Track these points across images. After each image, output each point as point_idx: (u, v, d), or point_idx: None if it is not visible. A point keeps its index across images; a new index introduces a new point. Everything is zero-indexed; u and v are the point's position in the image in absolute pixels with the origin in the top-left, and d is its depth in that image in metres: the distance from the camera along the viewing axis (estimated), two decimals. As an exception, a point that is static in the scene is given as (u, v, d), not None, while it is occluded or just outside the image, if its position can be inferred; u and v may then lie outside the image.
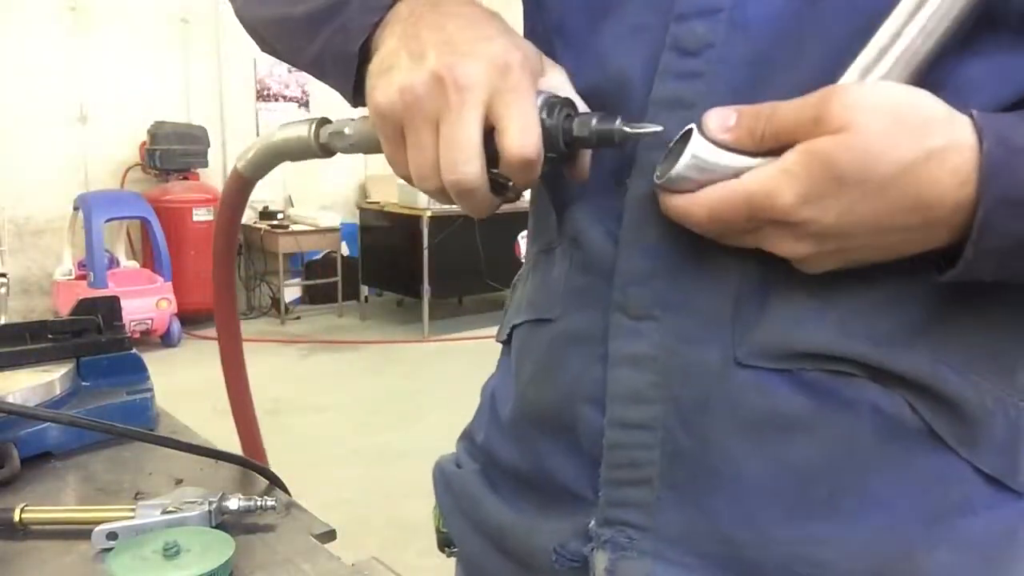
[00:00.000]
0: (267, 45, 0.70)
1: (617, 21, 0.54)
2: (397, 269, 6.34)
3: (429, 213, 5.82)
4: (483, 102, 0.48)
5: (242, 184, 0.73)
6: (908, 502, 0.52)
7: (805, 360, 0.51)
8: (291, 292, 6.82)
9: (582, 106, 0.53)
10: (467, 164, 0.48)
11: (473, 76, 0.48)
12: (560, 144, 0.50)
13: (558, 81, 0.53)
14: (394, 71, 0.50)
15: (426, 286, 5.96)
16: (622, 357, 0.55)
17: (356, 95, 0.57)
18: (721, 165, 0.46)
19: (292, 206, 6.84)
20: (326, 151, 0.61)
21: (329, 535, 0.67)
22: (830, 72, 0.47)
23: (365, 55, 0.55)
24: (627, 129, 0.49)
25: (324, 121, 0.61)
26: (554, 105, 0.50)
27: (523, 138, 0.48)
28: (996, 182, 0.42)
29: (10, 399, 0.78)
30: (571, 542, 0.60)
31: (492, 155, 0.49)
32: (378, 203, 6.54)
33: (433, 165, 0.50)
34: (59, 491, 0.74)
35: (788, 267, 0.49)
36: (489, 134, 0.48)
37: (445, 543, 0.73)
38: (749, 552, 0.53)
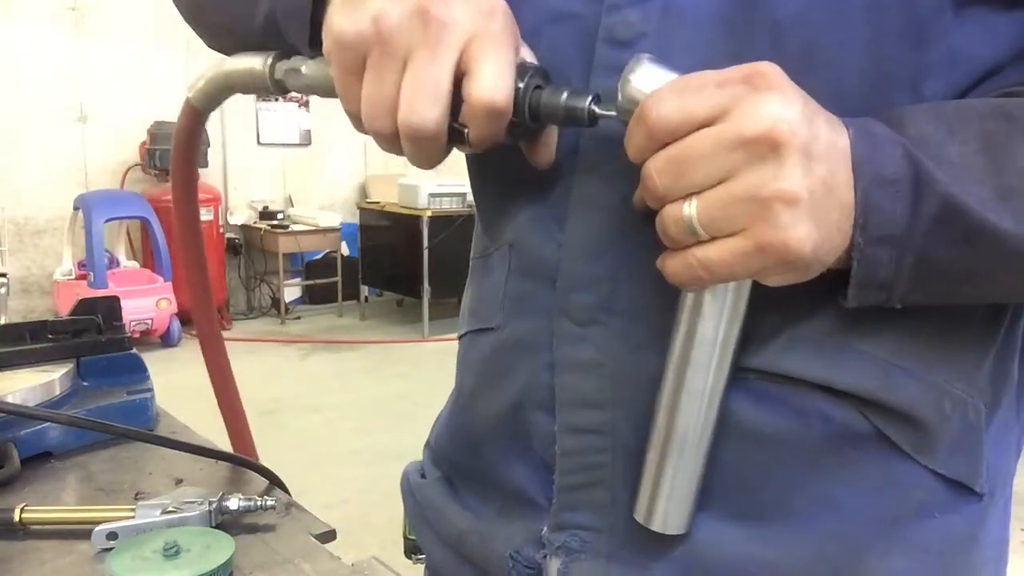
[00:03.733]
0: (213, 28, 0.64)
1: (541, 6, 0.52)
2: (397, 269, 6.35)
3: (429, 213, 5.82)
4: (461, 45, 0.44)
5: (195, 116, 0.66)
6: (861, 506, 0.51)
7: (750, 371, 0.50)
8: (291, 292, 6.82)
9: None
10: (430, 106, 0.44)
11: (457, 15, 0.44)
12: (525, 112, 0.47)
13: (529, 56, 0.50)
14: (369, 1, 0.45)
15: (426, 286, 5.96)
16: (569, 363, 0.54)
17: (313, 46, 0.53)
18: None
19: (292, 206, 6.84)
20: (279, 87, 0.57)
21: (329, 535, 0.67)
22: (771, 60, 0.45)
23: (318, 5, 0.50)
24: (597, 109, 0.46)
25: (281, 56, 0.56)
26: (527, 71, 0.47)
27: (495, 82, 0.44)
28: (864, 166, 0.41)
29: (10, 399, 0.78)
30: (525, 548, 0.59)
31: (455, 107, 0.46)
32: (378, 203, 6.54)
33: (390, 103, 0.45)
34: (59, 491, 0.74)
35: None
36: (455, 83, 0.45)
37: (412, 550, 0.72)
38: (703, 550, 0.52)
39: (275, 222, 6.42)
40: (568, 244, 0.53)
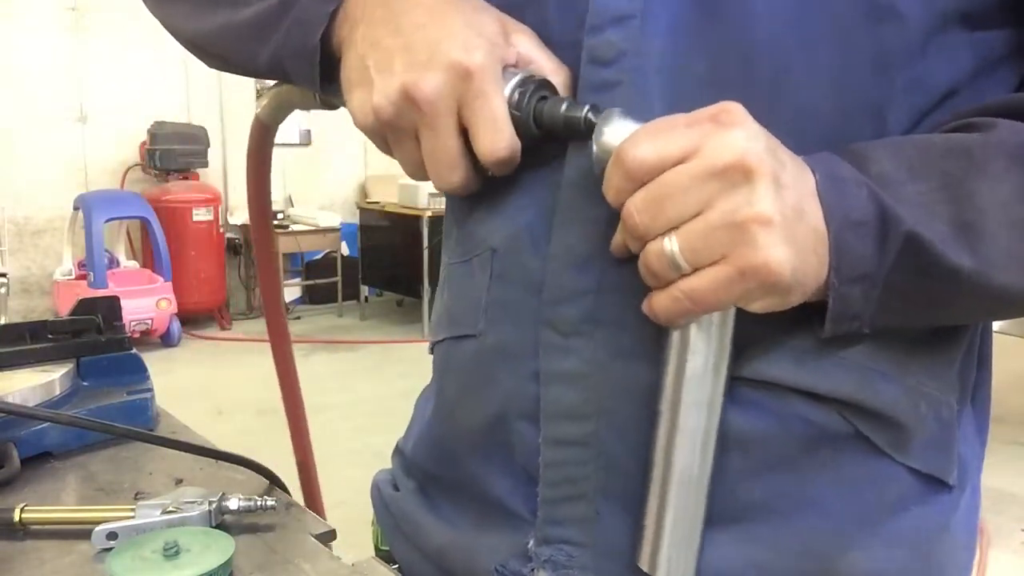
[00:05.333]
0: (212, 57, 0.67)
1: (535, 31, 0.54)
2: (397, 269, 6.34)
3: (429, 213, 5.82)
4: (452, 110, 0.49)
5: (264, 131, 0.75)
6: (841, 503, 0.53)
7: (734, 379, 0.50)
8: (291, 292, 6.82)
9: (558, 71, 0.52)
10: (451, 172, 0.51)
11: (435, 90, 0.48)
12: (533, 130, 0.50)
13: (527, 46, 0.52)
14: (362, 88, 0.51)
15: (426, 286, 5.96)
16: (554, 374, 0.54)
17: (324, 84, 0.57)
18: None
19: (292, 206, 6.84)
20: (327, 104, 0.62)
21: (329, 535, 0.67)
22: (743, 81, 0.48)
23: (325, 45, 0.55)
24: (593, 118, 0.48)
25: None
26: (527, 89, 0.49)
27: (494, 141, 0.49)
28: (834, 210, 0.44)
29: (10, 399, 0.78)
30: (511, 561, 0.58)
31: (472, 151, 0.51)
32: (378, 203, 6.54)
33: (422, 168, 0.52)
34: (59, 491, 0.74)
35: None
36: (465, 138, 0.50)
37: (386, 560, 0.72)
38: None
39: (275, 222, 6.40)
40: (553, 255, 0.53)
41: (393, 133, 0.52)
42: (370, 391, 4.86)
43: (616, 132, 0.46)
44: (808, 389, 0.50)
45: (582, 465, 0.54)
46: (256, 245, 0.86)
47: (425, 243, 5.87)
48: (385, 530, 0.72)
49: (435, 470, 0.65)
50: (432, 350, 0.67)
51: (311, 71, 0.56)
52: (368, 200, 6.94)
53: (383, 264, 6.53)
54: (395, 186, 6.25)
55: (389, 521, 0.71)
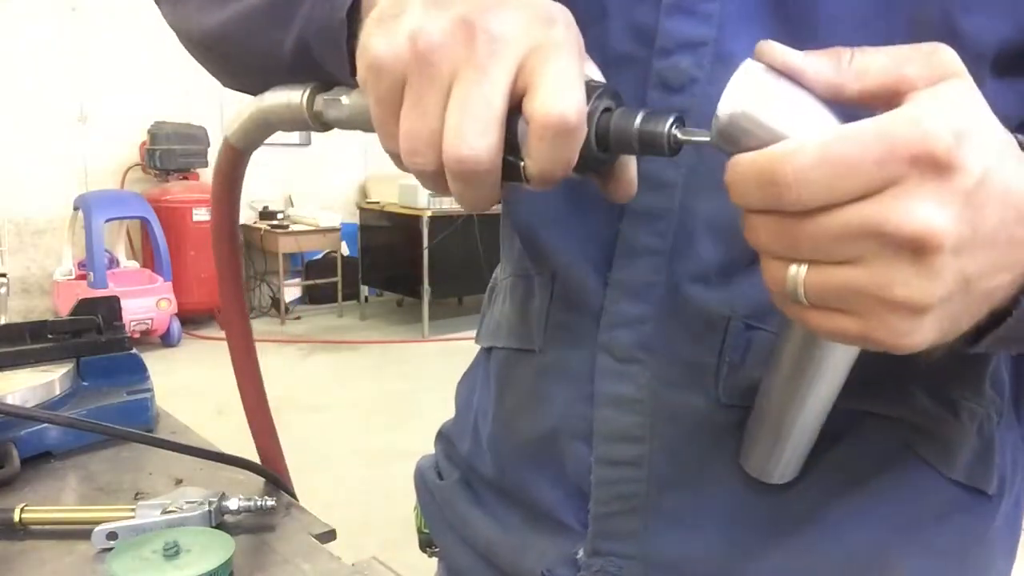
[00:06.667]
0: (228, 58, 0.58)
1: (595, 48, 0.44)
2: (397, 269, 6.34)
3: (429, 213, 5.82)
4: (517, 60, 0.37)
5: (234, 157, 0.60)
6: (887, 515, 0.53)
7: None
8: (291, 292, 6.81)
9: None
10: (481, 135, 0.37)
11: (511, 25, 0.37)
12: (592, 139, 0.39)
13: (592, 70, 0.42)
14: (405, 16, 0.38)
15: (426, 286, 5.96)
16: (608, 398, 0.55)
17: (354, 74, 0.45)
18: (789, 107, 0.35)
19: (292, 206, 6.84)
20: (319, 122, 0.51)
21: (329, 535, 0.67)
22: None
23: (354, 25, 0.44)
24: (679, 135, 0.38)
25: (321, 87, 0.50)
26: (593, 90, 0.39)
27: (564, 95, 0.36)
28: None
29: (10, 399, 0.78)
30: (559, 568, 0.59)
31: (509, 137, 0.38)
32: (378, 203, 6.54)
33: (433, 135, 0.38)
34: (59, 491, 0.74)
35: (773, 316, 0.49)
36: (511, 108, 0.38)
37: (427, 543, 0.73)
38: (738, 572, 0.54)
39: (275, 222, 6.42)
40: (613, 283, 0.54)
41: (418, 74, 0.38)
42: (370, 391, 4.85)
43: (761, 106, 0.35)
44: (871, 410, 0.51)
45: (633, 483, 0.55)
46: (223, 290, 0.70)
47: (425, 243, 5.86)
48: (428, 517, 0.73)
49: (486, 470, 0.66)
50: (488, 352, 0.68)
51: (337, 52, 0.45)
52: (368, 200, 6.94)
53: (383, 264, 6.53)
54: (395, 186, 6.24)
55: (433, 508, 0.72)
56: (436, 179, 0.39)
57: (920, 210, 0.32)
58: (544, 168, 0.38)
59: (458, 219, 5.82)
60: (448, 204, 5.93)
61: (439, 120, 0.38)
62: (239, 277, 0.69)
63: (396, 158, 0.42)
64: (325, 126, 0.51)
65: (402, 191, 6.08)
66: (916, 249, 0.32)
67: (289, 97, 0.51)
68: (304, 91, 0.51)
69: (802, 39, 0.39)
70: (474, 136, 0.37)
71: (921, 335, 0.34)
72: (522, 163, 0.38)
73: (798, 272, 0.35)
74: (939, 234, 0.32)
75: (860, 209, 0.33)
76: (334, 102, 0.49)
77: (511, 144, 0.38)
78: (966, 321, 0.36)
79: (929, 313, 0.34)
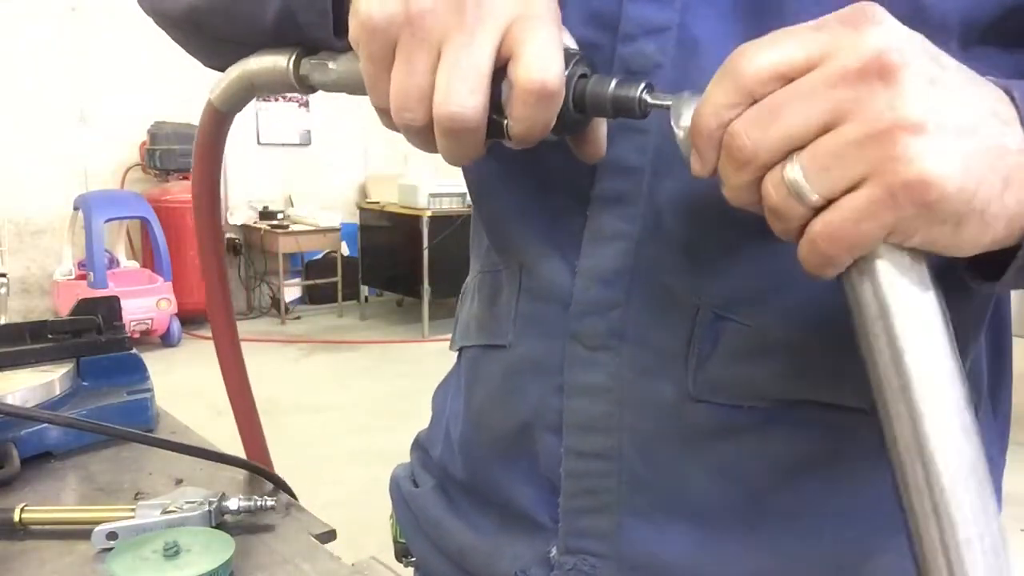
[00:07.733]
0: (208, 38, 0.58)
1: None
2: (397, 269, 6.34)
3: (429, 213, 5.82)
4: (502, 27, 0.40)
5: (218, 119, 0.62)
6: (866, 513, 0.53)
7: (756, 398, 0.51)
8: (291, 292, 6.82)
9: None
10: (469, 94, 0.40)
11: None
12: (569, 102, 0.42)
13: (568, 39, 0.45)
14: None
15: (426, 286, 5.96)
16: (578, 387, 0.54)
17: (338, 36, 0.49)
18: None
19: (292, 206, 6.84)
20: (304, 85, 0.53)
21: (329, 535, 0.67)
22: None
23: None
24: (648, 99, 0.41)
25: (307, 51, 0.52)
26: (570, 58, 0.42)
27: (545, 62, 0.39)
28: None
29: (10, 399, 0.78)
30: (532, 568, 0.59)
31: (494, 97, 0.41)
32: (378, 203, 6.54)
33: (422, 91, 0.41)
34: (59, 491, 0.74)
35: (742, 307, 0.49)
36: (496, 71, 0.41)
37: (403, 553, 0.73)
38: (712, 572, 0.54)
39: (275, 222, 6.42)
40: (582, 271, 0.53)
41: (410, 35, 0.40)
42: (370, 391, 4.85)
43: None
44: (829, 402, 0.51)
45: (603, 478, 0.54)
46: (202, 255, 0.72)
47: (425, 243, 5.86)
48: (404, 526, 0.73)
49: (459, 474, 0.66)
50: (459, 354, 0.67)
51: (322, 16, 0.48)
52: (368, 200, 6.94)
53: (383, 264, 6.53)
54: (395, 186, 6.25)
55: (408, 517, 0.72)
56: (424, 134, 0.42)
57: (868, 36, 0.34)
58: (526, 127, 0.41)
59: (458, 219, 5.82)
60: (448, 204, 5.93)
61: (428, 79, 0.41)
62: (218, 228, 0.72)
63: (385, 114, 0.44)
64: (310, 89, 0.53)
65: (402, 191, 6.08)
66: (883, 71, 0.33)
67: (275, 61, 0.53)
68: (290, 55, 0.53)
69: (765, 21, 0.42)
70: (463, 95, 0.40)
71: (940, 159, 0.33)
72: (506, 121, 0.41)
73: (793, 168, 0.35)
74: (896, 49, 0.33)
75: (819, 69, 0.34)
76: (320, 66, 0.51)
77: (495, 104, 0.41)
78: (992, 176, 0.34)
79: (930, 132, 0.33)
